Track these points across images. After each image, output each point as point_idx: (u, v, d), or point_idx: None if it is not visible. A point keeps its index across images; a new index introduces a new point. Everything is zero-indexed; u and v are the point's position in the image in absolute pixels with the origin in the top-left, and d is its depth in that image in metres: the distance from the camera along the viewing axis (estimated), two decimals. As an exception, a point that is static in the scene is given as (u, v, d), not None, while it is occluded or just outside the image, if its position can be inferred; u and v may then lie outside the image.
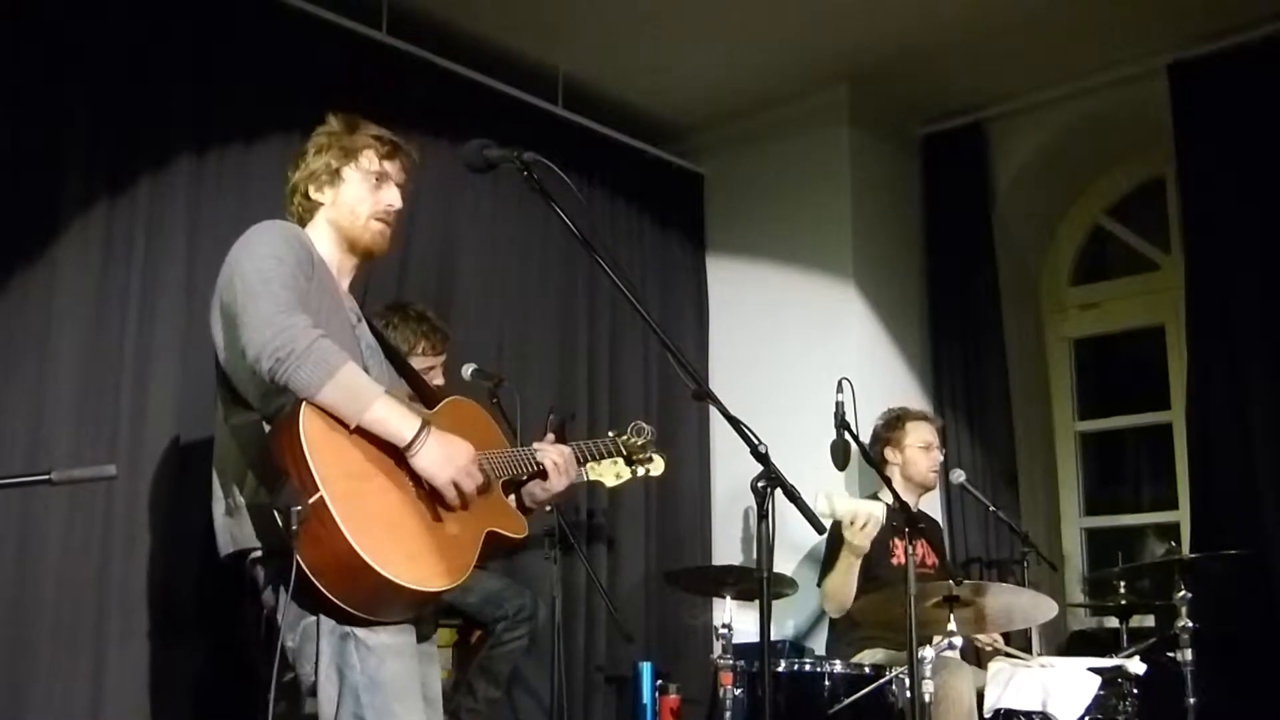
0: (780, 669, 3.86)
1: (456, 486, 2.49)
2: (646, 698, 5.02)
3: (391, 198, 2.79)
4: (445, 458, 2.47)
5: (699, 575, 4.81)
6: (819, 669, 3.87)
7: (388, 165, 2.80)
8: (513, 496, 2.87)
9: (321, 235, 2.76)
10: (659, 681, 5.04)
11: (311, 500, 2.24)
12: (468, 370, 4.25)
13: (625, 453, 3.19)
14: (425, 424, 2.45)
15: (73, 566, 3.68)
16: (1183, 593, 4.14)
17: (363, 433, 2.42)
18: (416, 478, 2.48)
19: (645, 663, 5.08)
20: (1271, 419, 4.81)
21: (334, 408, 2.37)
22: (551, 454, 2.84)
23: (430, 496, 2.50)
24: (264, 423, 2.47)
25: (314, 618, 2.39)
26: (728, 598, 4.19)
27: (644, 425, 3.20)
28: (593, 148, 5.67)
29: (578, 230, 2.60)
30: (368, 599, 2.34)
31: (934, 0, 4.97)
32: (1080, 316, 6.35)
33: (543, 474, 2.84)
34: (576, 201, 2.63)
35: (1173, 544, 4.55)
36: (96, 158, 3.92)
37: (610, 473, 4.36)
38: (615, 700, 5.29)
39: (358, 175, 2.76)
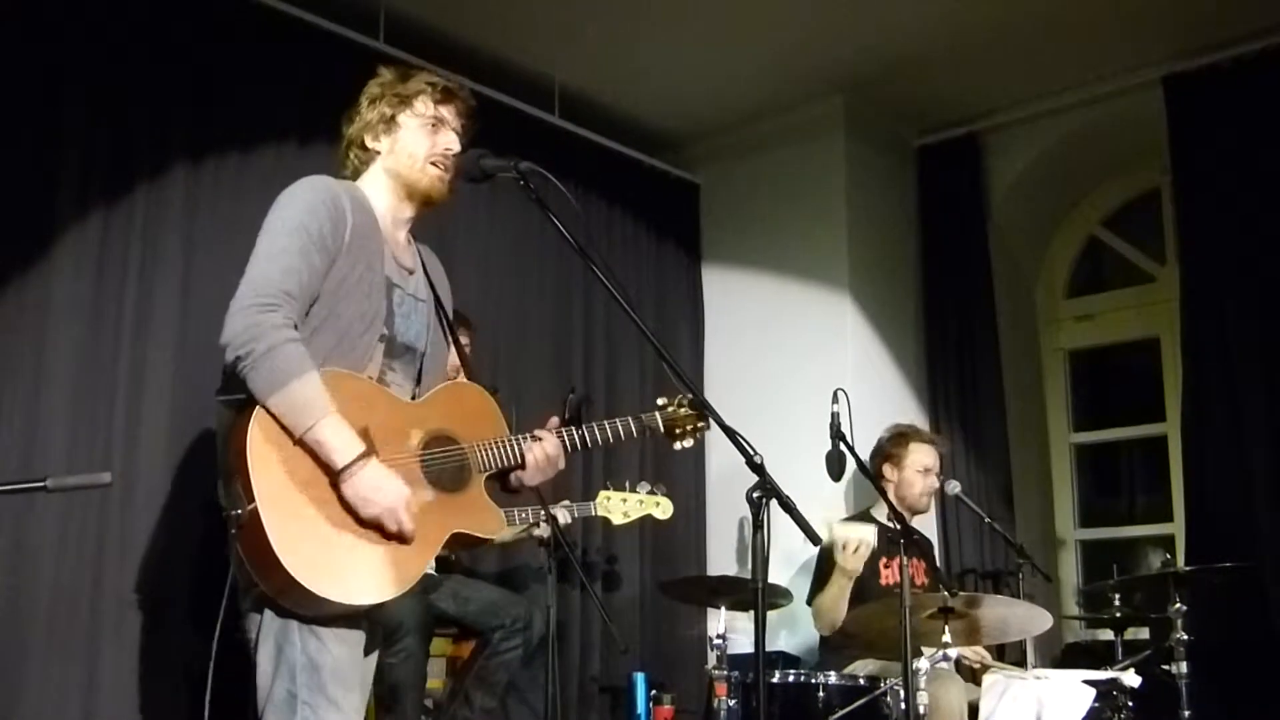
0: (775, 680, 3.84)
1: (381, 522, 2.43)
2: (641, 708, 5.00)
3: (448, 141, 2.74)
4: (373, 495, 2.39)
5: (694, 586, 4.79)
6: (813, 680, 3.85)
7: (443, 110, 2.76)
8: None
9: (378, 184, 2.72)
10: (653, 692, 5.02)
11: (248, 508, 2.28)
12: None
13: (664, 426, 2.92)
14: (361, 456, 2.38)
15: (67, 572, 3.68)
16: (1178, 605, 4.13)
17: None
18: None
19: (640, 673, 5.06)
20: (1266, 431, 4.81)
21: (280, 418, 2.36)
22: (537, 450, 2.75)
23: None
24: (235, 408, 2.43)
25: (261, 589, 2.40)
26: (722, 608, 4.18)
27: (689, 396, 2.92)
28: (589, 157, 5.67)
29: (574, 240, 2.59)
30: (301, 604, 2.36)
31: (929, 12, 4.98)
32: (1075, 328, 6.35)
33: (523, 464, 2.75)
34: (572, 211, 2.63)
35: (1168, 556, 4.54)
36: (93, 166, 3.92)
37: (618, 511, 4.37)
38: (610, 711, 5.28)
39: (414, 121, 2.73)
